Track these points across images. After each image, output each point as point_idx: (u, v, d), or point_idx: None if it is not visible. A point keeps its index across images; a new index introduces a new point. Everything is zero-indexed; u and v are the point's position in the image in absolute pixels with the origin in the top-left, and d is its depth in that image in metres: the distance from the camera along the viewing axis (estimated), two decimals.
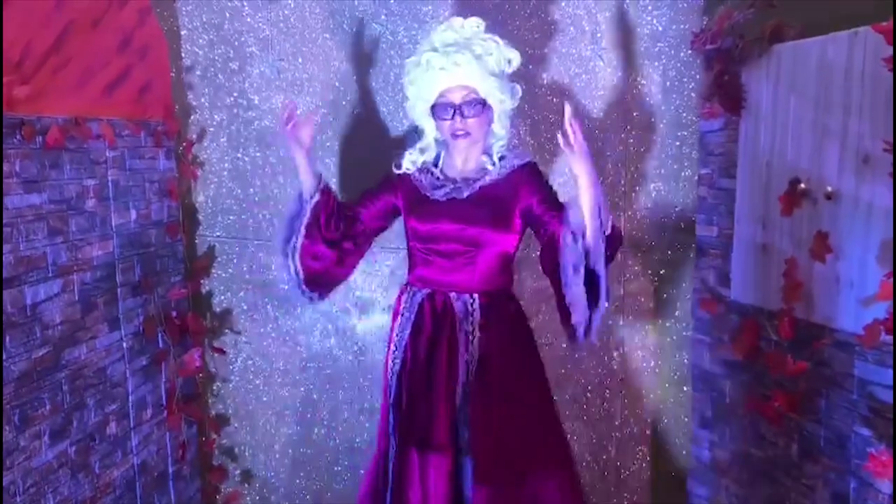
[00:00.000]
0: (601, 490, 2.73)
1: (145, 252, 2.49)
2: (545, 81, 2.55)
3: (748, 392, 2.20)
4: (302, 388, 2.87)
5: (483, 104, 1.97)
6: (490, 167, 2.04)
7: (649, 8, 2.48)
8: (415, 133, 2.15)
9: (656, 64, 2.51)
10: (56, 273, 2.05)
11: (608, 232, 1.80)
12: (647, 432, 2.71)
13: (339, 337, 2.82)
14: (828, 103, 1.86)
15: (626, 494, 2.75)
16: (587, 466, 2.71)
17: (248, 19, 2.66)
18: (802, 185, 1.95)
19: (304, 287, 2.12)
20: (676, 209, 2.58)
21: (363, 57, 2.62)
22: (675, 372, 2.66)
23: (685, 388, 2.62)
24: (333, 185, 2.71)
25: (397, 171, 2.13)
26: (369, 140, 2.66)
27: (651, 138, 2.56)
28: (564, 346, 2.68)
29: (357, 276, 2.76)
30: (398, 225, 2.25)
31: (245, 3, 2.65)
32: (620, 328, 2.66)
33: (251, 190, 2.78)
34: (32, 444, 1.95)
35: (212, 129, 2.76)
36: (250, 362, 2.89)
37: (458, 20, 2.00)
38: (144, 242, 2.48)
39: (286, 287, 2.72)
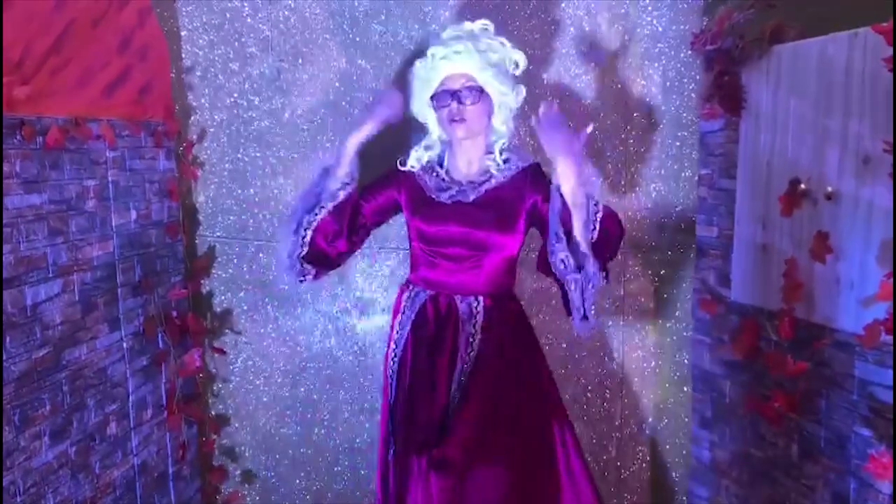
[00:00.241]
0: (601, 490, 2.73)
1: (145, 252, 2.49)
2: (545, 82, 2.55)
3: (748, 392, 2.20)
4: (302, 389, 2.87)
5: (481, 91, 1.97)
6: (495, 171, 2.04)
7: (649, 9, 2.49)
8: (420, 133, 2.16)
9: (656, 64, 2.51)
10: (56, 273, 2.05)
11: (599, 213, 1.83)
12: (647, 432, 2.71)
13: (339, 337, 2.82)
14: (828, 104, 1.86)
15: (626, 494, 2.75)
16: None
17: (249, 20, 2.67)
18: (802, 186, 1.95)
19: (301, 262, 2.07)
20: (676, 209, 2.58)
21: (363, 57, 2.62)
22: (676, 372, 2.66)
23: (685, 389, 2.62)
24: None
25: (402, 168, 2.13)
26: (370, 140, 2.65)
27: (651, 139, 2.56)
28: (565, 346, 2.68)
29: (357, 277, 2.77)
30: (399, 225, 2.25)
31: (245, 4, 2.65)
32: (620, 328, 2.66)
33: (251, 190, 2.78)
34: (33, 444, 1.95)
35: (212, 129, 2.76)
36: (250, 362, 2.89)
37: (468, 23, 2.02)
38: (145, 243, 2.48)
39: (285, 286, 2.74)
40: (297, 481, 2.92)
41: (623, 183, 2.58)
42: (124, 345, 2.37)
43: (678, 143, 2.55)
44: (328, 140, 2.69)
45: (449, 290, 2.05)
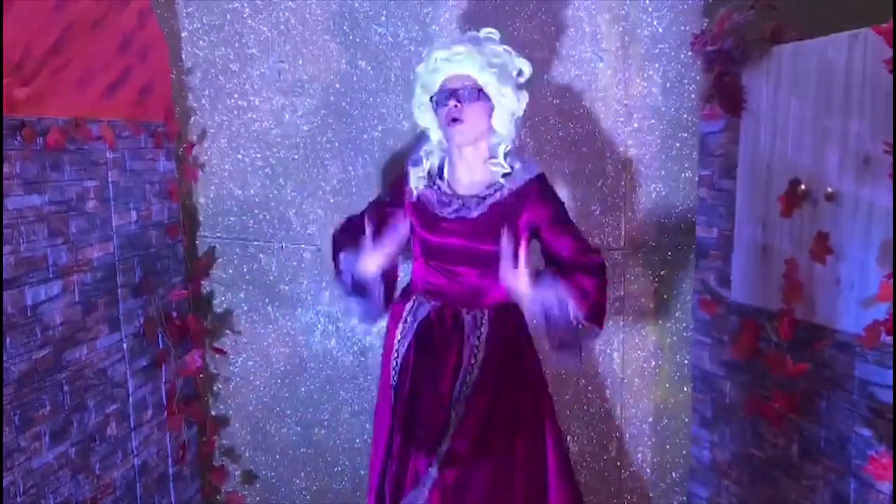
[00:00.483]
0: (601, 490, 2.73)
1: (146, 253, 2.49)
2: (545, 83, 2.55)
3: (748, 393, 2.20)
4: (302, 389, 2.87)
5: (480, 91, 1.96)
6: (500, 178, 2.02)
7: (649, 9, 2.49)
8: (420, 138, 2.16)
9: (657, 65, 2.51)
10: (56, 274, 2.05)
11: (570, 306, 1.92)
12: (647, 432, 2.71)
13: (339, 337, 2.82)
14: (828, 104, 1.86)
15: (626, 494, 2.75)
16: (587, 466, 2.71)
17: (249, 21, 2.67)
18: (803, 186, 1.95)
19: (383, 307, 2.20)
20: (677, 210, 2.58)
21: (363, 58, 2.62)
22: (676, 372, 2.66)
23: (685, 389, 2.62)
24: (334, 187, 2.72)
25: (404, 186, 2.13)
26: (370, 141, 2.66)
27: (651, 139, 2.56)
28: None
29: None
30: None
31: (245, 5, 2.65)
32: (620, 328, 2.66)
33: (251, 191, 2.78)
34: (33, 444, 1.96)
35: (212, 130, 2.76)
36: (251, 363, 2.89)
37: (473, 32, 2.04)
38: (145, 243, 2.49)
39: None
40: (297, 481, 2.92)
41: (623, 184, 2.58)
42: (124, 345, 2.37)
43: (678, 144, 2.55)
44: (328, 140, 2.69)
45: (453, 302, 2.06)
